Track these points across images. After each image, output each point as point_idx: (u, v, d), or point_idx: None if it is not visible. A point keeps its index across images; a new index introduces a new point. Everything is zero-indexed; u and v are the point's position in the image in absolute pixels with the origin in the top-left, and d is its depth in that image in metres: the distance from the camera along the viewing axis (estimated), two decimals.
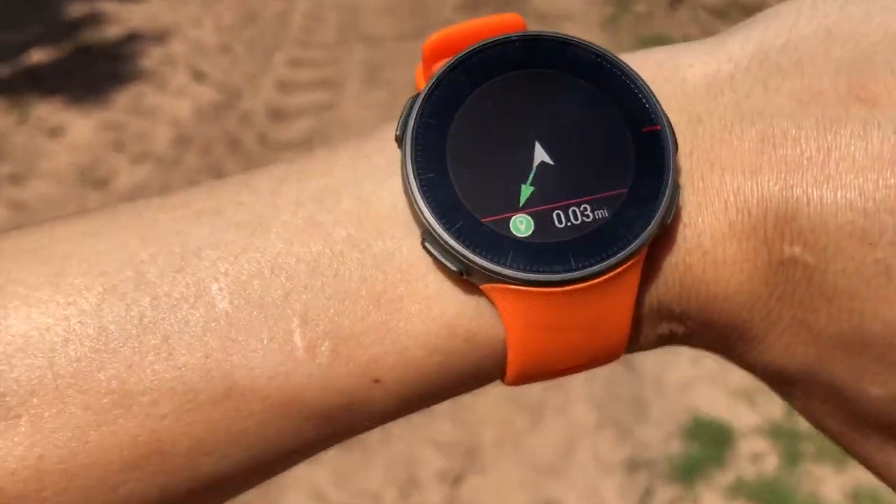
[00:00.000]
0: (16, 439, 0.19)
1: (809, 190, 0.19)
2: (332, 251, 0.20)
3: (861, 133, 0.19)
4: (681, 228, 0.20)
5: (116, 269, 0.20)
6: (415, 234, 0.20)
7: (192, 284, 0.20)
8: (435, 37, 0.22)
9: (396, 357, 0.20)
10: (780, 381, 0.22)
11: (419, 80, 0.22)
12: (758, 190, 0.20)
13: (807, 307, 0.20)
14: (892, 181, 0.19)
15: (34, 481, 0.19)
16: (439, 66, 0.21)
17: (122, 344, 0.19)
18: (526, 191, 0.20)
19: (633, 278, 0.20)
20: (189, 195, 0.21)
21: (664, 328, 0.21)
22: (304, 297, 0.20)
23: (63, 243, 0.20)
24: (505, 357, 0.20)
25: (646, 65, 0.22)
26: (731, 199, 0.20)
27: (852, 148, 0.19)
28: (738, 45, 0.21)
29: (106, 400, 0.19)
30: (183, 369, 0.19)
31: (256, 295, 0.20)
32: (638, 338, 0.22)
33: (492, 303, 0.20)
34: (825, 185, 0.19)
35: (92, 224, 0.21)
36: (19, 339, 0.19)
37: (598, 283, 0.20)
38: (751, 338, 0.21)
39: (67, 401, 0.19)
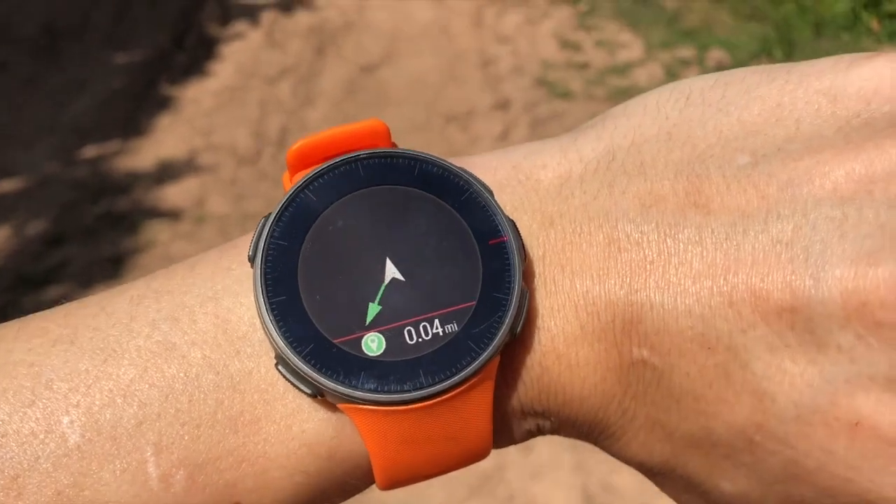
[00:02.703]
0: None
1: (652, 295, 0.20)
2: (186, 375, 0.20)
3: (697, 239, 0.20)
4: (535, 332, 0.21)
5: None
6: (272, 353, 0.20)
7: (42, 419, 0.20)
8: (298, 145, 0.22)
9: (255, 480, 0.20)
10: (645, 471, 0.22)
11: (285, 185, 0.22)
12: (605, 294, 0.20)
13: (659, 407, 0.20)
14: (726, 288, 0.19)
15: None
16: (301, 176, 0.21)
17: None
18: (373, 309, 0.21)
19: (488, 387, 0.20)
20: (46, 320, 0.21)
21: (530, 424, 0.22)
22: (157, 425, 0.20)
23: None
24: (370, 469, 0.20)
25: (502, 168, 0.22)
26: (581, 302, 0.21)
27: (689, 254, 0.20)
28: (589, 145, 0.22)
29: None
30: None
31: (109, 425, 0.20)
32: (506, 435, 0.22)
33: (350, 420, 0.19)
34: (666, 291, 0.20)
35: None
36: None
37: (451, 396, 0.20)
38: (610, 434, 0.21)
39: None
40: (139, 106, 2.26)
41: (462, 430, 0.21)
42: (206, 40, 2.65)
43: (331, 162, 0.22)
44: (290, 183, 0.22)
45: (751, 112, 0.21)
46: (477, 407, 0.21)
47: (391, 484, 0.21)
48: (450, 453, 0.21)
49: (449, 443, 0.21)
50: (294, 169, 0.22)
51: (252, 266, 0.21)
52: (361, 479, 0.21)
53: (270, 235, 0.21)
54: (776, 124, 0.21)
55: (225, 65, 2.51)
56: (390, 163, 0.22)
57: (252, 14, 2.90)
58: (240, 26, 2.79)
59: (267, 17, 2.83)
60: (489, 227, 0.21)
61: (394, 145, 0.23)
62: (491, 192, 0.21)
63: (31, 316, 0.21)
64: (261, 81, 2.39)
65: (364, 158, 0.22)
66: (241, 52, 2.59)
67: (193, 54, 2.56)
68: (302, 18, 2.83)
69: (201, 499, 0.20)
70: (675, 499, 0.23)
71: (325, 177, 0.22)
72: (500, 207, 0.21)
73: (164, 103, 2.29)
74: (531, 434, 0.23)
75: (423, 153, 0.22)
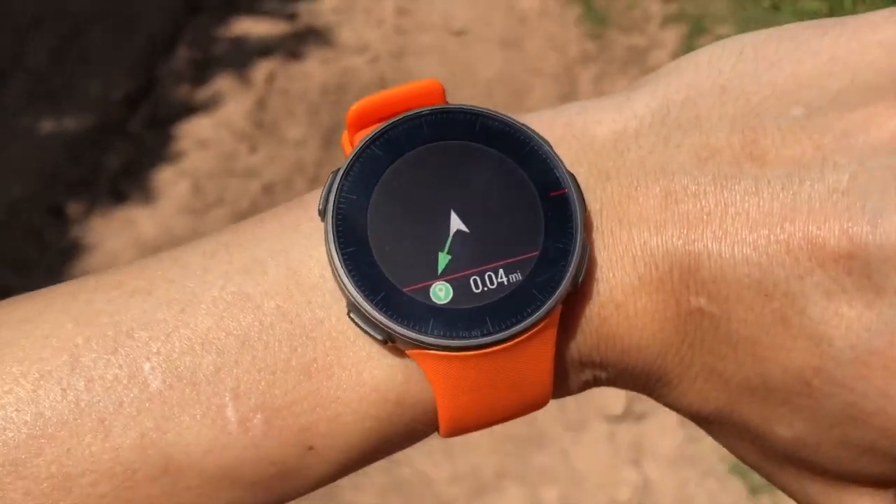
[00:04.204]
0: None
1: (710, 244, 0.21)
2: (261, 323, 0.21)
3: (753, 189, 0.21)
4: (594, 284, 0.22)
5: (52, 355, 0.21)
6: (342, 302, 0.21)
7: (125, 365, 0.21)
8: (357, 105, 0.23)
9: (328, 424, 0.21)
10: (699, 420, 0.23)
11: (345, 146, 0.23)
12: (663, 244, 0.21)
13: (715, 355, 0.21)
14: (782, 236, 0.20)
15: None
16: (361, 136, 0.22)
17: (59, 428, 0.20)
18: (443, 259, 0.22)
19: (550, 335, 0.21)
20: (122, 274, 0.22)
21: (587, 374, 0.23)
22: (234, 371, 0.21)
23: (2, 330, 0.21)
24: (436, 415, 0.21)
25: (557, 124, 0.23)
26: (639, 253, 0.22)
27: (746, 204, 0.21)
28: (643, 101, 0.23)
29: (45, 484, 0.20)
30: (119, 450, 0.20)
31: (188, 372, 0.21)
32: (563, 385, 0.23)
33: (419, 366, 0.20)
34: (723, 240, 0.21)
35: (30, 309, 0.22)
36: None
37: (517, 343, 0.21)
38: (667, 382, 0.22)
39: (7, 487, 0.20)
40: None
41: (524, 378, 0.21)
42: (161, 117, 1.93)
43: (396, 118, 0.23)
44: (349, 142, 0.23)
45: (804, 66, 0.22)
46: (539, 355, 0.21)
47: (454, 430, 0.22)
48: (512, 400, 0.22)
49: (512, 390, 0.22)
50: (354, 128, 0.23)
51: (323, 219, 0.22)
52: (428, 424, 0.22)
53: (340, 189, 0.22)
54: (830, 77, 0.21)
55: (179, 175, 1.76)
56: (452, 118, 0.23)
57: (242, 60, 2.12)
58: (221, 82, 2.05)
59: (263, 68, 2.04)
60: (550, 179, 0.22)
61: (447, 104, 0.23)
62: (550, 146, 0.22)
63: (105, 271, 0.23)
64: (228, 211, 1.68)
65: (427, 115, 0.23)
66: (214, 140, 1.86)
67: (134, 153, 1.83)
68: (313, 69, 2.09)
69: (278, 442, 0.21)
70: (727, 446, 0.24)
71: (391, 132, 0.23)
72: (560, 160, 0.22)
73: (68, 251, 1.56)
74: (587, 385, 0.23)
75: (483, 108, 0.23)
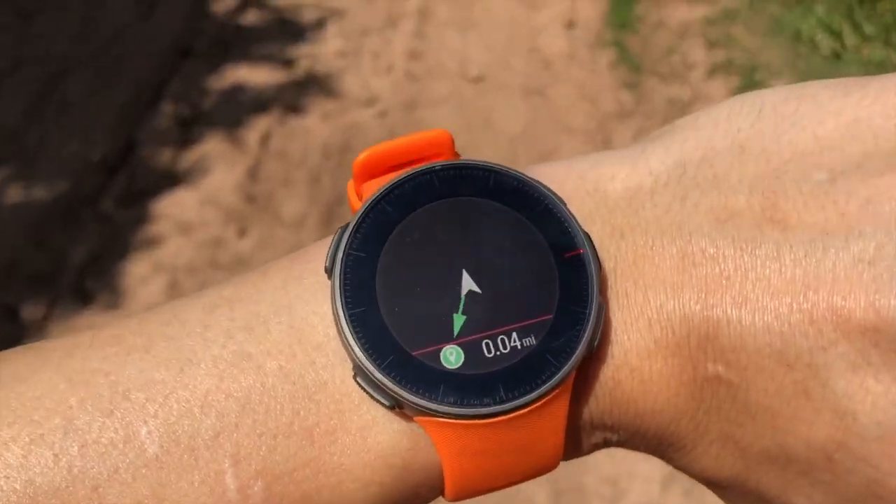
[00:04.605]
0: None
1: (729, 311, 0.21)
2: (262, 385, 0.21)
3: (775, 255, 0.21)
4: (608, 346, 0.22)
5: (44, 417, 0.21)
6: (347, 363, 0.22)
7: (120, 429, 0.21)
8: (364, 155, 0.23)
9: (331, 491, 0.21)
10: (713, 486, 0.23)
11: (351, 196, 0.24)
12: (680, 308, 0.21)
13: (733, 422, 0.21)
14: (806, 305, 0.20)
15: None
16: (369, 186, 0.23)
17: (50, 497, 0.20)
18: (458, 320, 0.22)
19: (563, 401, 0.22)
20: (120, 329, 0.23)
21: (598, 437, 0.23)
22: (234, 436, 0.21)
23: None
24: (442, 480, 0.22)
25: (569, 178, 0.24)
26: (655, 316, 0.22)
27: (767, 270, 0.21)
28: (658, 157, 0.23)
29: None
30: None
31: (186, 436, 0.21)
32: (574, 448, 0.23)
33: (426, 432, 0.21)
34: (744, 307, 0.21)
35: (23, 366, 0.22)
36: None
37: (529, 411, 0.21)
38: (680, 447, 0.23)
39: None
40: None
41: (535, 443, 0.22)
42: (139, 189, 1.77)
43: (407, 173, 0.23)
44: (355, 193, 0.24)
45: (826, 127, 0.22)
46: (552, 420, 0.22)
47: (461, 495, 0.22)
48: (521, 465, 0.22)
49: (521, 455, 0.22)
50: (360, 179, 0.23)
51: (330, 277, 0.22)
52: (433, 489, 0.22)
53: (349, 246, 0.22)
54: (853, 140, 0.22)
55: (155, 269, 1.58)
56: (465, 174, 0.23)
57: (235, 115, 1.95)
58: (210, 144, 1.88)
59: (258, 125, 1.77)
60: (565, 239, 0.22)
61: (457, 156, 0.24)
62: (565, 204, 0.23)
63: (102, 326, 0.23)
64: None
65: (439, 170, 0.23)
66: (197, 222, 1.69)
67: (105, 239, 1.66)
68: (313, 125, 1.93)
69: None
70: None
71: (402, 188, 0.23)
72: (575, 219, 0.23)
73: None
74: (598, 446, 0.24)
75: (496, 164, 0.23)
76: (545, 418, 0.22)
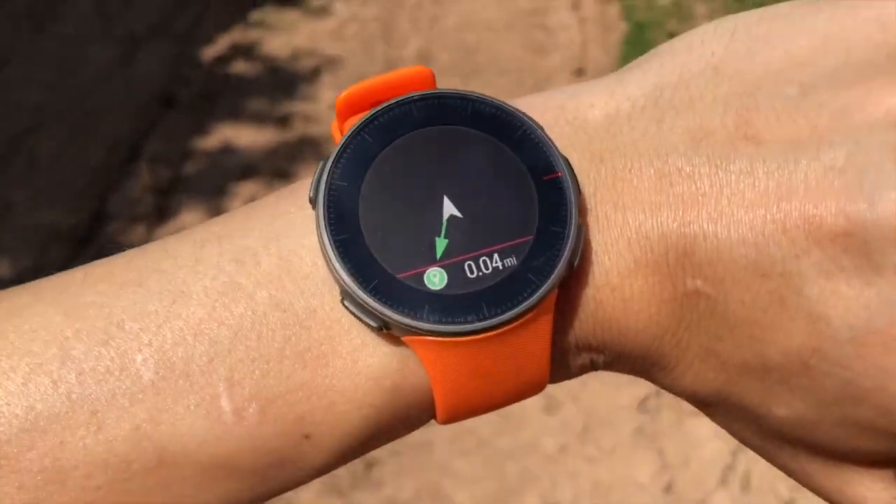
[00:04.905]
0: None
1: (705, 225, 0.22)
2: (254, 313, 0.23)
3: (749, 169, 0.22)
4: (589, 267, 0.23)
5: (42, 348, 0.22)
6: (335, 290, 0.23)
7: (116, 357, 0.22)
8: (347, 92, 0.25)
9: (324, 413, 0.23)
10: (698, 402, 0.25)
11: (335, 133, 0.25)
12: (658, 227, 0.23)
13: (713, 336, 0.23)
14: (779, 215, 0.21)
15: None
16: (351, 123, 0.25)
17: (51, 422, 0.21)
18: (441, 244, 0.23)
19: (547, 320, 0.23)
20: (112, 265, 0.24)
21: (584, 358, 0.25)
22: (228, 361, 0.22)
23: None
24: (433, 402, 0.23)
25: (549, 108, 0.25)
26: (634, 236, 0.23)
27: (741, 185, 0.22)
28: (636, 83, 0.25)
29: (39, 478, 0.21)
30: (113, 442, 0.22)
31: (181, 363, 0.22)
32: (560, 370, 0.25)
33: (414, 353, 0.23)
34: (719, 221, 0.22)
35: (17, 302, 0.23)
36: None
37: (513, 327, 0.23)
38: (664, 365, 0.24)
39: (0, 481, 0.21)
40: None
41: (521, 363, 0.23)
42: None
43: (385, 104, 0.24)
44: (339, 130, 0.25)
45: (798, 44, 0.23)
46: (536, 339, 0.23)
47: (451, 416, 0.24)
48: (508, 385, 0.23)
49: (508, 374, 0.23)
50: (343, 116, 0.25)
51: (314, 207, 0.23)
52: (425, 411, 0.24)
53: (331, 176, 0.23)
54: (825, 54, 0.23)
55: None
56: (443, 103, 0.25)
57: (218, 183, 1.82)
58: (187, 217, 1.78)
59: (243, 193, 1.82)
60: (544, 163, 0.24)
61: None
62: (543, 130, 0.24)
63: (93, 263, 0.24)
64: None
65: (417, 100, 0.24)
66: None
67: None
68: None
69: (273, 431, 0.22)
70: (726, 428, 0.26)
71: (381, 119, 0.24)
72: (553, 143, 0.24)
73: None
74: (585, 369, 0.25)
75: (474, 93, 0.25)
76: (530, 336, 0.23)
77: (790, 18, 0.24)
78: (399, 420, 0.23)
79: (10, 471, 0.21)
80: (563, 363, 0.24)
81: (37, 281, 0.24)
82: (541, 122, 0.24)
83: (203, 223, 0.25)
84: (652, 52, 0.25)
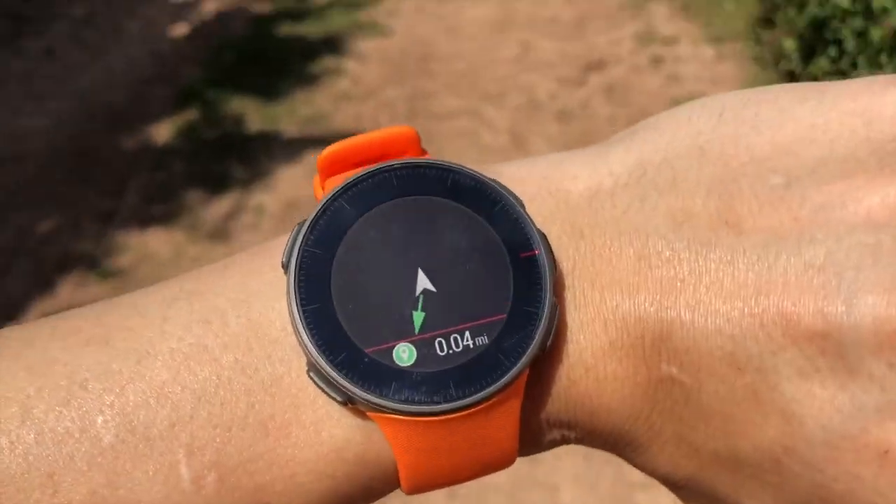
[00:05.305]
0: None
1: (682, 313, 0.22)
2: (218, 377, 0.22)
3: (729, 259, 0.22)
4: (564, 345, 0.23)
5: (1, 405, 0.22)
6: (303, 357, 0.23)
7: (77, 418, 0.22)
8: (329, 150, 0.24)
9: (284, 483, 0.22)
10: (669, 485, 0.25)
11: (316, 190, 0.25)
12: (635, 309, 0.23)
13: (686, 424, 0.23)
14: (757, 310, 0.21)
15: None
16: (332, 182, 0.24)
17: (6, 484, 0.21)
18: (418, 317, 0.23)
19: (516, 400, 0.23)
20: (81, 319, 0.24)
21: (556, 434, 0.25)
22: (190, 427, 0.22)
23: None
24: (396, 474, 0.23)
25: (531, 178, 0.25)
26: (611, 317, 0.23)
27: (720, 273, 0.22)
28: (619, 158, 0.25)
29: None
30: None
31: (142, 426, 0.22)
32: (531, 445, 0.25)
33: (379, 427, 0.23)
34: (697, 310, 0.22)
35: None
36: None
37: (481, 409, 0.22)
38: (636, 447, 0.24)
39: None
40: None
41: (488, 441, 0.23)
42: None
43: (365, 171, 0.24)
44: (320, 187, 0.25)
45: (784, 132, 0.23)
46: (504, 419, 0.23)
47: (416, 489, 0.23)
48: (475, 462, 0.23)
49: (475, 452, 0.23)
50: (325, 173, 0.25)
51: (286, 272, 0.23)
52: (387, 483, 0.23)
53: (305, 242, 0.23)
54: (810, 145, 0.23)
55: None
56: (423, 173, 0.24)
57: None
58: None
59: None
60: (521, 239, 0.23)
61: (423, 152, 0.26)
62: (522, 205, 0.24)
63: (64, 314, 0.24)
64: None
65: (398, 168, 0.24)
66: None
67: None
68: None
69: (231, 500, 0.22)
70: None
71: (360, 186, 0.24)
72: (531, 220, 0.24)
73: None
74: (555, 443, 0.25)
75: (454, 164, 0.25)
76: (498, 417, 0.23)
77: (778, 104, 0.24)
78: (359, 491, 0.23)
79: None
80: (534, 438, 0.24)
81: (4, 330, 0.24)
82: (522, 194, 0.24)
83: (176, 277, 0.25)
84: (639, 125, 0.26)
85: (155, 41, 3.19)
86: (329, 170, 0.24)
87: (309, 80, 2.88)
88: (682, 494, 0.25)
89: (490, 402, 0.22)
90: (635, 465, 0.25)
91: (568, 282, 0.23)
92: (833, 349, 0.20)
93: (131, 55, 3.03)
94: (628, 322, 0.22)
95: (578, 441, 0.25)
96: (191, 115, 2.68)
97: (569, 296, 0.23)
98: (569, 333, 0.23)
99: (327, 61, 2.99)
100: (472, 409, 0.22)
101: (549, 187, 0.25)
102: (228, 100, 2.76)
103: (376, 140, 0.24)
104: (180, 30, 3.34)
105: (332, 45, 3.14)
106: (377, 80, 2.75)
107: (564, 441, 0.25)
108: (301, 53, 3.06)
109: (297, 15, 3.43)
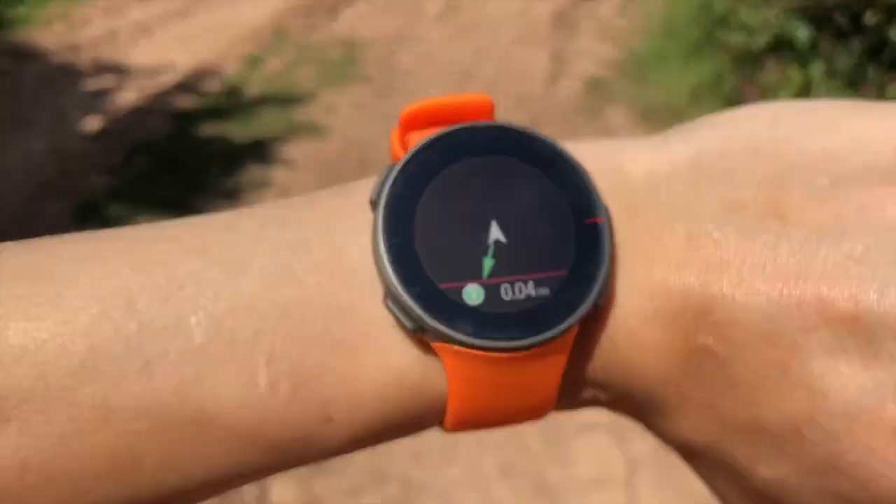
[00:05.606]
0: (4, 441, 0.23)
1: (725, 289, 0.24)
2: (300, 297, 0.24)
3: (773, 244, 0.24)
4: (611, 308, 0.26)
5: (109, 295, 0.24)
6: (378, 290, 0.25)
7: (173, 316, 0.24)
8: (412, 107, 0.26)
9: (348, 400, 0.24)
10: (686, 452, 0.27)
11: (393, 143, 0.27)
12: (681, 283, 0.24)
13: (714, 392, 0.25)
14: (795, 291, 0.23)
15: (16, 479, 0.23)
16: (413, 137, 0.27)
17: (108, 364, 0.23)
18: (487, 263, 0.25)
19: (565, 350, 0.25)
20: (181, 229, 0.26)
21: (589, 393, 0.27)
22: (271, 337, 0.24)
23: (66, 264, 0.25)
24: (445, 409, 0.26)
25: (595, 155, 0.27)
26: (658, 287, 0.25)
27: (764, 257, 0.24)
28: (679, 147, 0.27)
29: (89, 413, 0.23)
30: (160, 392, 0.24)
31: (229, 331, 0.24)
32: (565, 399, 0.27)
33: (440, 360, 0.25)
34: (739, 287, 0.24)
35: (93, 248, 0.25)
36: (17, 350, 0.23)
37: (533, 353, 0.25)
38: (663, 412, 0.26)
39: (54, 411, 0.23)
40: None
41: (532, 385, 0.25)
42: None
43: (454, 127, 0.27)
44: (398, 139, 0.27)
45: (834, 140, 0.26)
46: (551, 367, 0.25)
47: (459, 425, 0.26)
48: (517, 405, 0.26)
49: (519, 394, 0.25)
50: (405, 128, 0.27)
51: (374, 209, 0.25)
52: (434, 417, 0.26)
53: (394, 184, 0.25)
54: (856, 154, 0.25)
55: None
56: (506, 135, 0.27)
57: None
58: None
59: None
60: (586, 206, 0.26)
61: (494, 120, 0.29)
62: (590, 176, 0.27)
63: (165, 223, 0.27)
64: None
65: (483, 129, 0.27)
66: None
67: None
68: None
69: (301, 409, 0.24)
70: (708, 482, 0.28)
71: (448, 139, 0.26)
72: (598, 191, 0.26)
73: None
74: (586, 403, 0.28)
75: (534, 131, 0.27)
76: (546, 363, 0.25)
77: (830, 116, 0.26)
78: (411, 419, 0.26)
79: (64, 402, 0.22)
80: (569, 393, 0.27)
81: (111, 230, 0.26)
82: (588, 168, 0.27)
83: (268, 204, 0.27)
84: (698, 120, 0.28)
85: (60, 137, 2.90)
86: (409, 125, 0.26)
87: (229, 194, 2.68)
88: (698, 463, 0.27)
89: (542, 348, 0.25)
90: (657, 433, 0.27)
91: (621, 252, 0.26)
92: (862, 332, 0.22)
93: (31, 152, 2.70)
94: (673, 294, 0.24)
95: (609, 403, 0.27)
96: None
97: (620, 265, 0.26)
98: (617, 298, 0.25)
99: (253, 170, 2.79)
100: (526, 352, 0.24)
101: (611, 166, 0.27)
102: (134, 217, 2.50)
103: (457, 103, 0.27)
104: (92, 124, 3.12)
105: (260, 149, 2.94)
106: (307, 191, 2.41)
107: (595, 401, 0.27)
108: (224, 160, 2.84)
109: (225, 112, 3.20)
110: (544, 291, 0.24)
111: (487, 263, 0.24)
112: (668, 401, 0.25)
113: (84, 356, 0.23)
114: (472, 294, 0.24)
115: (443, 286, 0.24)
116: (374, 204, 0.25)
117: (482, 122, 0.26)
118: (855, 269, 0.22)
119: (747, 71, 2.99)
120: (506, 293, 0.24)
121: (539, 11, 4.14)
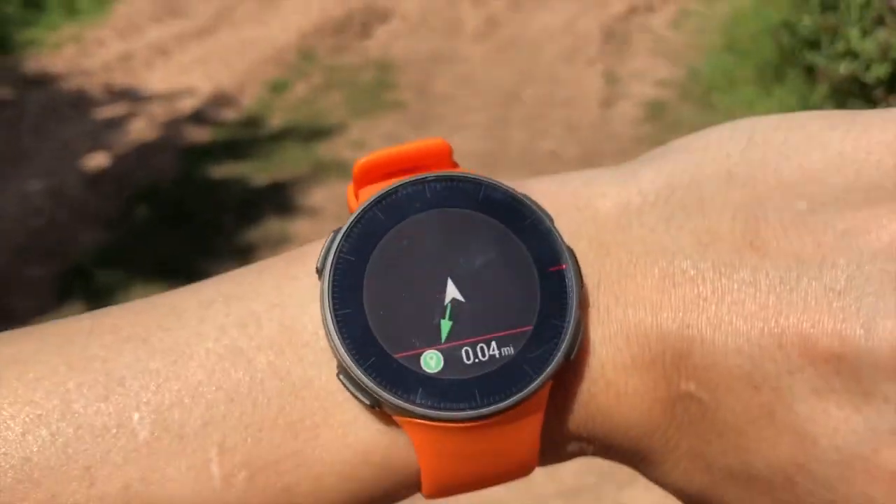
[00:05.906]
0: None
1: (704, 331, 0.24)
2: (251, 379, 0.24)
3: (751, 280, 0.24)
4: (586, 359, 0.25)
5: (43, 398, 0.24)
6: (333, 362, 0.25)
7: (114, 414, 0.24)
8: (363, 160, 0.27)
9: (311, 484, 0.24)
10: (682, 498, 0.27)
11: (350, 198, 0.28)
12: (657, 326, 0.24)
13: (701, 439, 0.25)
14: (776, 330, 0.23)
15: None
16: (365, 192, 0.27)
17: (45, 474, 0.23)
18: (445, 326, 0.24)
19: (540, 409, 0.25)
20: (119, 318, 0.26)
21: (574, 447, 0.27)
22: (222, 426, 0.24)
23: None
24: (419, 479, 0.26)
25: (562, 193, 0.27)
26: (634, 333, 0.25)
27: (743, 294, 0.23)
28: (649, 178, 0.27)
29: None
30: (104, 498, 0.23)
31: (176, 424, 0.24)
32: (550, 455, 0.27)
33: (405, 432, 0.26)
34: (718, 328, 0.24)
35: (24, 348, 0.25)
36: None
37: (506, 416, 0.25)
38: (652, 461, 0.26)
39: None
40: None
41: (510, 449, 0.25)
42: None
43: (400, 182, 0.27)
44: (353, 195, 0.28)
45: (811, 159, 0.25)
46: (527, 429, 0.25)
47: (437, 494, 0.26)
48: (495, 469, 0.26)
49: (496, 460, 0.25)
50: (359, 183, 0.27)
51: (320, 278, 0.25)
52: (410, 487, 0.26)
53: (339, 249, 0.25)
54: (836, 172, 0.25)
55: None
56: (456, 186, 0.26)
57: None
58: None
59: None
60: (549, 253, 0.25)
61: (455, 165, 0.28)
62: (552, 219, 0.27)
63: (102, 311, 0.27)
64: None
65: (431, 180, 0.26)
66: None
67: None
68: None
69: (260, 499, 0.24)
70: None
71: (394, 196, 0.26)
72: (560, 235, 0.26)
73: None
74: (573, 455, 0.28)
75: (486, 178, 0.27)
76: (520, 426, 0.25)
77: (806, 131, 0.26)
78: (382, 495, 0.26)
79: None
80: (553, 449, 0.27)
81: (42, 326, 0.26)
82: (552, 209, 0.27)
83: (212, 279, 0.27)
84: (668, 145, 0.28)
85: (60, 177, 2.79)
86: (363, 179, 0.27)
87: (242, 251, 2.40)
88: None
89: (513, 411, 0.25)
90: (651, 479, 0.28)
91: (592, 297, 0.26)
92: (849, 371, 0.22)
93: (27, 194, 2.46)
94: (650, 338, 0.24)
95: (596, 454, 0.28)
96: (70, 310, 2.09)
97: (593, 311, 0.26)
98: (592, 348, 0.25)
99: (270, 221, 2.55)
100: (496, 418, 0.24)
101: (577, 203, 0.27)
102: (125, 286, 2.24)
103: (410, 151, 0.27)
104: (95, 161, 3.03)
105: (280, 194, 2.75)
106: None
107: (582, 453, 0.28)
108: (237, 208, 2.62)
109: (242, 147, 3.00)
110: (509, 350, 0.24)
111: (445, 326, 0.24)
112: (654, 451, 0.25)
113: (18, 469, 0.23)
114: (431, 361, 0.23)
115: (398, 356, 0.24)
116: (319, 272, 0.25)
117: (432, 173, 0.26)
118: (838, 303, 0.22)
119: (856, 104, 2.73)
120: (467, 356, 0.24)
121: (586, 25, 4.03)
